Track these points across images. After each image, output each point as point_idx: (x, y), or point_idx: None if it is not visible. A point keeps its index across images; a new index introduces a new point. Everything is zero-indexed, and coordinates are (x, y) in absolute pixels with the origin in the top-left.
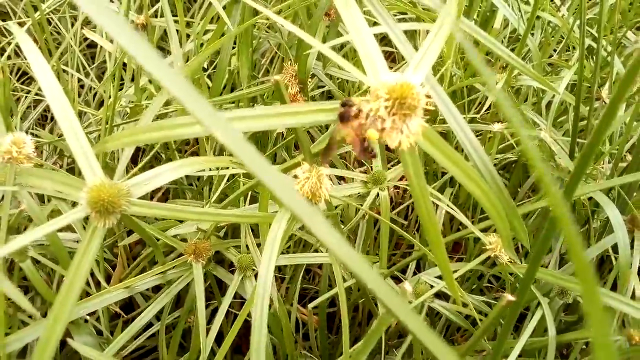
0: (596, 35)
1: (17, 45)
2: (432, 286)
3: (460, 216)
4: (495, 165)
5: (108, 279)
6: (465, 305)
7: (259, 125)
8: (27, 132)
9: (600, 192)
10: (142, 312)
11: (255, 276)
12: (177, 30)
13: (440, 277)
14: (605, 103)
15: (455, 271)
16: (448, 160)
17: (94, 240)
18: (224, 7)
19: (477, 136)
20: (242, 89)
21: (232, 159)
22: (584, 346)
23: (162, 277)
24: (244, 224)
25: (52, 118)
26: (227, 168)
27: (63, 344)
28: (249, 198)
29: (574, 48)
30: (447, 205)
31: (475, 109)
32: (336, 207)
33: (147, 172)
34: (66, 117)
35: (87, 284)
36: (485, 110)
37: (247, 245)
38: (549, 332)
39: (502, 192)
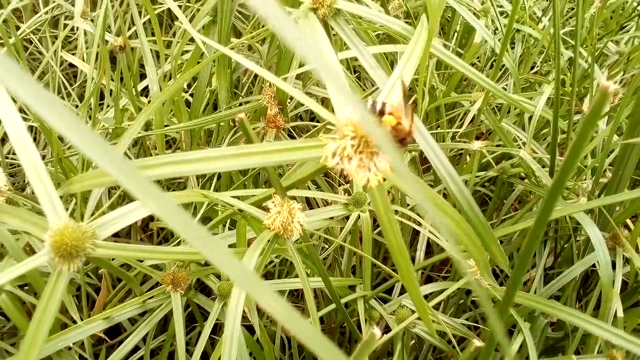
0: (577, 46)
1: None
2: (413, 311)
3: (442, 242)
4: (479, 178)
5: (93, 304)
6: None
7: (217, 166)
8: (6, 157)
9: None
10: (126, 339)
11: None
12: (156, 52)
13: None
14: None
15: (442, 291)
16: (423, 196)
17: (59, 284)
18: (203, 27)
19: (458, 154)
20: (222, 110)
21: (203, 192)
22: None
23: (142, 305)
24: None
25: (35, 138)
26: None
27: None
28: (228, 223)
29: (552, 59)
30: (428, 230)
31: (460, 122)
32: (318, 229)
33: (114, 211)
34: (30, 158)
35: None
36: (470, 125)
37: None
38: (530, 356)
39: (478, 218)
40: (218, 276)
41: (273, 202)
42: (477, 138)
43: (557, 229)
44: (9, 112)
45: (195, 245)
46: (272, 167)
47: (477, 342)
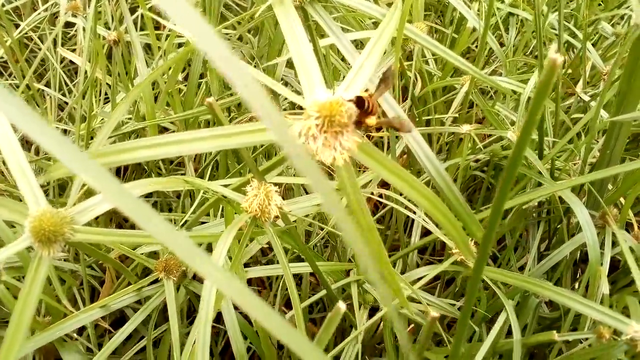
0: (573, 28)
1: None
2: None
3: (430, 226)
4: (479, 163)
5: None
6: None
7: (184, 149)
8: None
9: (570, 191)
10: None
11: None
12: (149, 45)
13: (414, 282)
14: (580, 98)
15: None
16: (387, 172)
17: (40, 269)
18: None
19: (458, 139)
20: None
21: (185, 179)
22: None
23: (139, 294)
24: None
25: None
26: None
27: None
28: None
29: (551, 41)
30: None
31: (458, 107)
32: (307, 216)
33: (92, 198)
34: (10, 146)
35: (75, 301)
36: (460, 108)
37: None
38: (513, 335)
39: (457, 198)
40: None
41: (250, 186)
42: (479, 122)
43: (549, 210)
44: None
45: (144, 227)
46: (246, 150)
47: (433, 313)
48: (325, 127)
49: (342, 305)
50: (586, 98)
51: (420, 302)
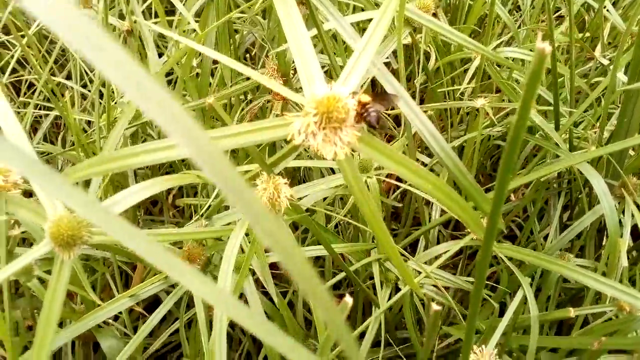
0: None
1: (22, 57)
2: (419, 272)
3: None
4: (494, 136)
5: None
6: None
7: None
8: (40, 142)
9: (587, 162)
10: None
11: (253, 274)
12: (159, 33)
13: (428, 263)
14: (599, 62)
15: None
16: (390, 161)
17: (62, 272)
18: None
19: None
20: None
21: (198, 174)
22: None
23: (166, 281)
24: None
25: (64, 125)
26: None
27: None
28: None
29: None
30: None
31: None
32: (325, 199)
33: (106, 200)
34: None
35: (110, 287)
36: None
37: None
38: (530, 311)
39: (466, 177)
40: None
41: (259, 179)
42: (498, 91)
43: (569, 180)
44: (5, 112)
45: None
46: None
47: (435, 306)
48: (323, 123)
49: (349, 299)
50: (605, 62)
51: (441, 279)
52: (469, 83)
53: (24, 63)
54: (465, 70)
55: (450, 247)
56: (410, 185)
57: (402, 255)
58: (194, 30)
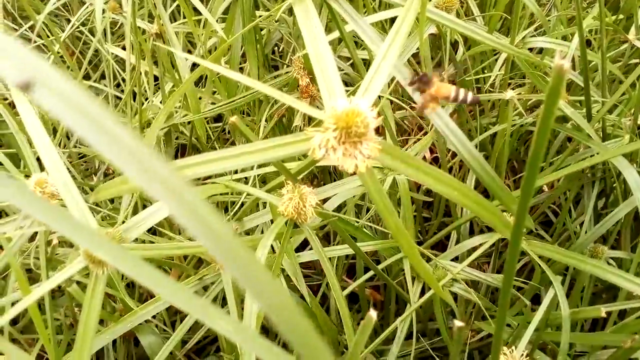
0: None
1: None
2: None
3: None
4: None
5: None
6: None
7: (214, 169)
8: (74, 146)
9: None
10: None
11: (283, 272)
12: (188, 32)
13: (455, 259)
14: (633, 45)
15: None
16: (412, 169)
17: (97, 287)
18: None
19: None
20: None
21: (225, 183)
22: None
23: (200, 283)
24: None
25: None
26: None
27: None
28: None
29: None
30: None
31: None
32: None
33: (138, 215)
34: (60, 176)
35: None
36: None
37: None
38: (562, 310)
39: (494, 180)
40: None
41: (285, 189)
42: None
43: (604, 170)
44: (39, 135)
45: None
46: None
47: (457, 323)
48: (343, 138)
49: (373, 314)
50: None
51: (474, 275)
52: (499, 72)
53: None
54: (497, 60)
55: (482, 241)
56: None
57: (429, 256)
58: (223, 29)
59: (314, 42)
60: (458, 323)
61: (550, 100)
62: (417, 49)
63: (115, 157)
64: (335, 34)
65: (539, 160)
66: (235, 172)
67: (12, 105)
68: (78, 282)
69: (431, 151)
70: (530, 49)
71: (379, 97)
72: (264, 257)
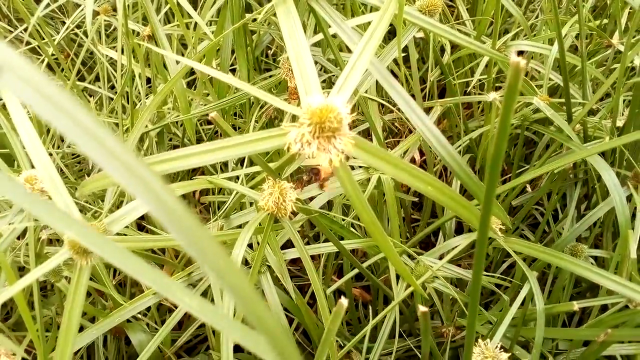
0: None
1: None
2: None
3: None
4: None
5: None
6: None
7: (193, 163)
8: (68, 146)
9: (597, 154)
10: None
11: (269, 268)
12: (182, 35)
13: (441, 257)
14: (617, 49)
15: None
16: (386, 164)
17: (81, 277)
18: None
19: (475, 107)
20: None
21: (209, 179)
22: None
23: (189, 278)
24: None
25: None
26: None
27: (129, 339)
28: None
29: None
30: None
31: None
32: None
33: (121, 209)
34: (47, 171)
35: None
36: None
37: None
38: (536, 305)
39: (471, 178)
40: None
41: (265, 184)
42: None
43: (586, 171)
44: (27, 131)
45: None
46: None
47: (422, 308)
48: (317, 132)
49: (344, 301)
50: (622, 49)
51: (454, 271)
52: (481, 75)
53: (55, 66)
54: (487, 63)
55: (463, 241)
56: None
57: (412, 254)
58: (213, 32)
59: (294, 42)
60: (422, 308)
61: (508, 96)
62: (405, 52)
63: (80, 140)
64: (320, 36)
65: (502, 151)
66: (226, 170)
67: (2, 106)
68: (67, 278)
69: (421, 154)
70: (521, 53)
71: (370, 99)
72: (242, 251)
